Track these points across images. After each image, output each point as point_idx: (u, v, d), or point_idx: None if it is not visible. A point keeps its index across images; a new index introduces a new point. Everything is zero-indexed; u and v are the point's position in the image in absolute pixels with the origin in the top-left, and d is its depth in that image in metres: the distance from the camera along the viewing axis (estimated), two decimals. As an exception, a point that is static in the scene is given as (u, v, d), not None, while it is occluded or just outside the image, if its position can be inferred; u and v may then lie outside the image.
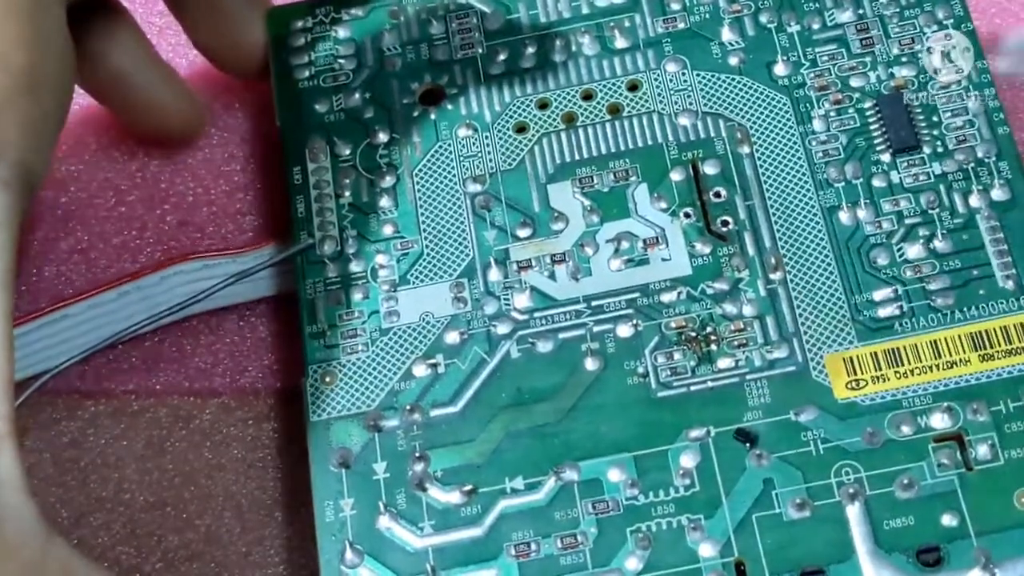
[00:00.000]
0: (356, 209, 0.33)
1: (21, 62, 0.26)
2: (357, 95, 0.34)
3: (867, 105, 0.33)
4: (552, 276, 0.32)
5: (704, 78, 0.34)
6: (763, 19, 0.34)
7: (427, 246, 0.32)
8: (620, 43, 0.34)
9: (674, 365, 0.30)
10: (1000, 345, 0.30)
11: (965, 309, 0.30)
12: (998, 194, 0.31)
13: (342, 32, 0.35)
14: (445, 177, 0.33)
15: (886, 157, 0.32)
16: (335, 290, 0.32)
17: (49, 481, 0.33)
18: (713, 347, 0.31)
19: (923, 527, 0.28)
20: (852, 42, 0.34)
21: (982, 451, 0.29)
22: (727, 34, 0.34)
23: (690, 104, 0.33)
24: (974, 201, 0.31)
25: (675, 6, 0.35)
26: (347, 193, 0.33)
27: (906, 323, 0.30)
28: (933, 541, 0.28)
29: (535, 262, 0.32)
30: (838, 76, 0.33)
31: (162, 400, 0.34)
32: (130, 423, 0.34)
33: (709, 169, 0.33)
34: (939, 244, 0.31)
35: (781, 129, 0.33)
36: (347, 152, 0.34)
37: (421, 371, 0.31)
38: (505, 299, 0.32)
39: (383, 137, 0.34)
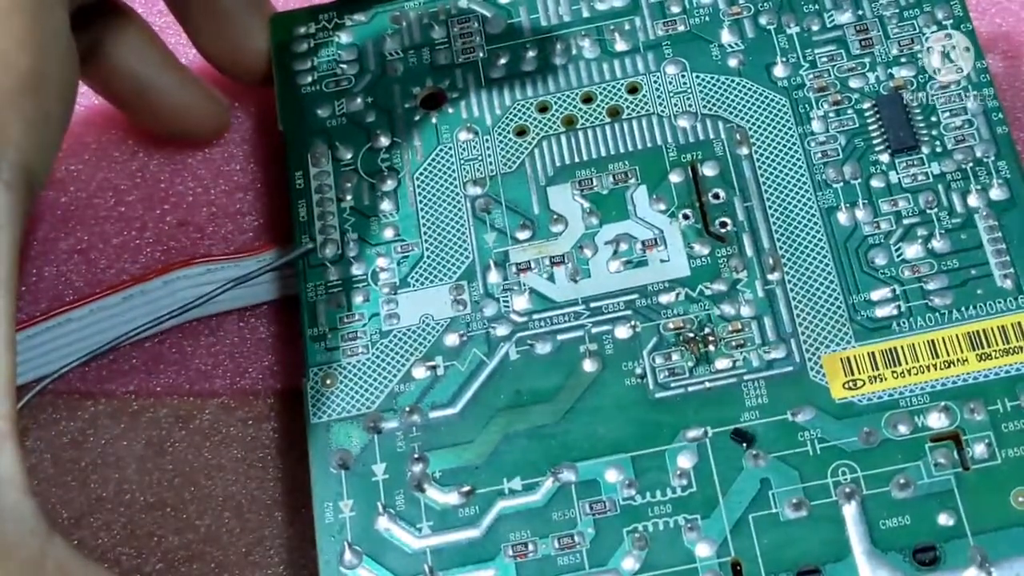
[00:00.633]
0: (357, 212, 0.33)
1: (25, 63, 0.26)
2: (359, 100, 0.35)
3: (866, 106, 0.33)
4: (551, 278, 0.32)
5: (703, 80, 0.34)
6: (763, 21, 0.34)
7: (427, 249, 0.33)
8: (620, 46, 0.35)
9: (672, 366, 0.31)
10: (998, 344, 0.30)
11: (963, 309, 0.30)
12: (996, 194, 0.31)
13: (344, 37, 0.36)
14: (446, 180, 0.33)
15: (885, 157, 0.32)
16: (336, 293, 0.32)
17: (49, 481, 0.33)
18: (711, 348, 0.31)
19: (919, 526, 0.28)
20: (851, 43, 0.34)
21: (979, 450, 0.29)
22: (727, 36, 0.34)
23: (689, 106, 0.34)
24: (972, 201, 0.31)
25: (675, 9, 0.35)
26: (348, 197, 0.33)
27: (904, 323, 0.30)
28: (929, 540, 0.28)
29: (534, 264, 0.32)
30: (837, 77, 0.33)
31: (162, 400, 0.34)
32: (130, 423, 0.34)
33: (708, 171, 0.33)
34: (937, 244, 0.31)
35: (780, 130, 0.33)
36: (348, 156, 0.34)
37: (421, 373, 0.31)
38: (504, 301, 0.32)
39: (384, 141, 0.34)
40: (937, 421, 0.29)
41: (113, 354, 0.34)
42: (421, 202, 0.33)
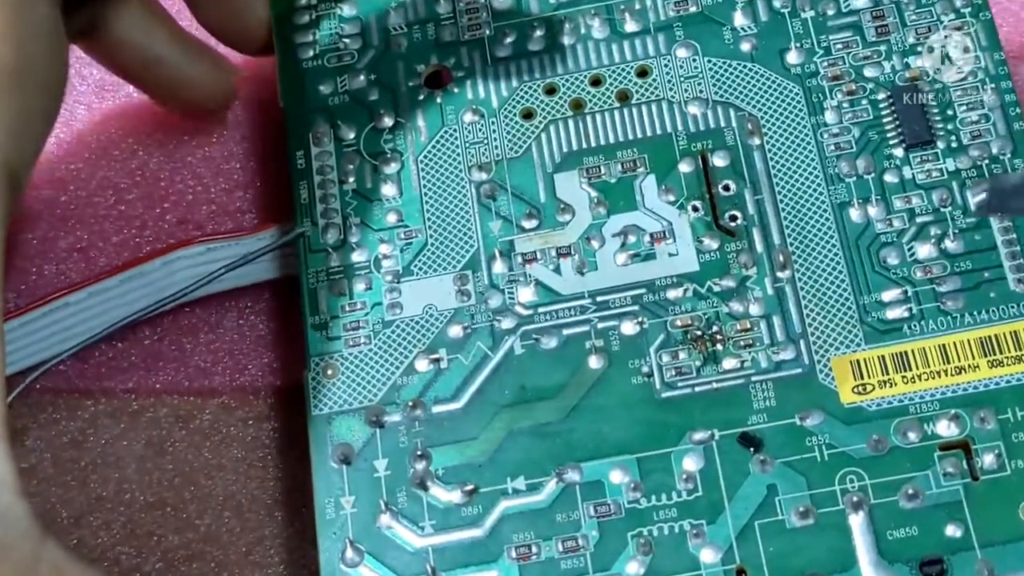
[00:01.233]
0: (360, 196, 0.33)
1: (4, 58, 0.25)
2: (362, 76, 0.34)
3: (881, 96, 0.32)
4: (557, 270, 0.31)
5: (715, 65, 0.33)
6: (776, 3, 0.33)
7: (431, 236, 0.32)
8: (630, 26, 0.34)
9: (679, 365, 0.30)
10: (1010, 351, 0.29)
11: (975, 312, 0.30)
12: (1012, 193, 0.31)
13: (347, 9, 0.35)
14: (450, 164, 0.33)
15: (899, 152, 0.32)
16: (338, 280, 0.32)
17: (49, 481, 0.33)
18: (719, 347, 0.30)
19: (927, 538, 0.28)
20: (867, 30, 0.33)
21: (988, 460, 0.29)
22: (739, 19, 0.33)
23: (700, 92, 0.33)
24: (987, 200, 0.31)
25: (687, -12, 0.34)
26: (351, 179, 0.33)
27: (915, 326, 0.30)
28: (937, 552, 0.28)
29: (540, 255, 0.32)
30: (852, 65, 0.33)
31: (162, 400, 0.34)
32: (130, 423, 0.33)
33: (719, 161, 0.32)
34: (950, 244, 0.31)
35: (793, 120, 0.32)
36: (351, 136, 0.33)
37: (423, 366, 0.31)
38: (509, 293, 0.31)
39: (388, 121, 0.33)
40: (946, 429, 0.29)
41: (112, 351, 0.34)
42: (425, 186, 0.33)
